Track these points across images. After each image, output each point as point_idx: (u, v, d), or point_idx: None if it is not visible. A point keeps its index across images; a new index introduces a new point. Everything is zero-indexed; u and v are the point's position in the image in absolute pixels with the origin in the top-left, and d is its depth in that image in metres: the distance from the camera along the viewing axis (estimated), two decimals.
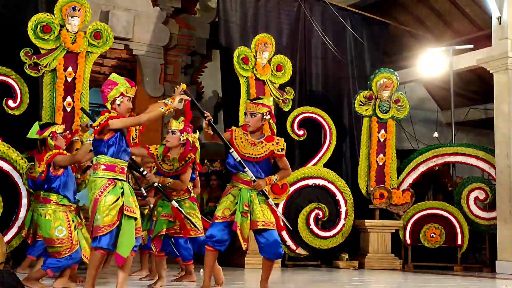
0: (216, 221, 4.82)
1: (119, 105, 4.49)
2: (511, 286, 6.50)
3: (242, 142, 4.85)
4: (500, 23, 9.12)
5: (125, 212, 4.39)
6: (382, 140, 9.67)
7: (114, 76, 4.58)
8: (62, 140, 5.50)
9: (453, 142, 10.44)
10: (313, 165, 9.41)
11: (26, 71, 7.76)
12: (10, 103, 7.86)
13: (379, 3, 11.75)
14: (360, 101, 9.67)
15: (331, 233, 9.27)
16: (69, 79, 7.95)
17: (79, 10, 7.93)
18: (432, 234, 9.38)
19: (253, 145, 4.83)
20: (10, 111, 7.86)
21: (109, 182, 4.37)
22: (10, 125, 8.11)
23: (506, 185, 8.95)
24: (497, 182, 9.17)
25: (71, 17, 7.90)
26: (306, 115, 9.47)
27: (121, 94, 4.48)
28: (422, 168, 9.90)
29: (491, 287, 7.24)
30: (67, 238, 5.25)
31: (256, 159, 4.82)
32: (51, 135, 5.47)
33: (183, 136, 5.83)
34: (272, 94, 9.12)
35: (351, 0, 11.44)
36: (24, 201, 7.72)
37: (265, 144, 4.84)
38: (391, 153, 9.66)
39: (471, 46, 10.28)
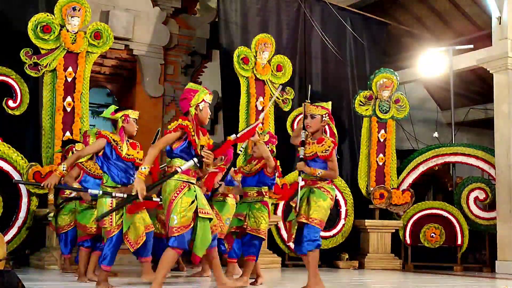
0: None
1: (201, 110, 4.71)
2: (511, 286, 6.50)
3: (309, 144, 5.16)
4: (500, 23, 9.12)
5: (200, 214, 4.59)
6: (382, 140, 9.67)
7: (191, 85, 4.85)
8: (133, 125, 5.49)
9: (453, 142, 10.44)
10: None
11: (26, 71, 7.77)
12: (10, 103, 7.87)
13: (379, 3, 11.76)
14: (360, 101, 9.67)
15: (331, 233, 9.28)
16: (69, 79, 7.96)
17: (79, 10, 7.94)
18: (432, 234, 9.38)
19: (309, 145, 5.13)
20: (10, 111, 7.87)
21: (184, 185, 4.58)
22: (10, 125, 8.12)
23: (506, 185, 8.96)
24: (497, 182, 9.17)
25: (71, 17, 7.91)
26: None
27: (203, 100, 4.72)
28: (422, 168, 9.90)
29: (491, 287, 7.24)
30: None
31: (307, 158, 5.10)
32: (123, 117, 5.44)
33: (268, 147, 5.96)
34: (272, 94, 9.12)
35: (351, 0, 11.43)
36: (24, 201, 7.74)
37: (312, 145, 5.09)
38: (391, 153, 9.66)
39: (471, 46, 10.28)
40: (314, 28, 10.40)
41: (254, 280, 5.86)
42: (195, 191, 4.64)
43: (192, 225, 4.57)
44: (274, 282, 6.55)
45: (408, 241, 9.52)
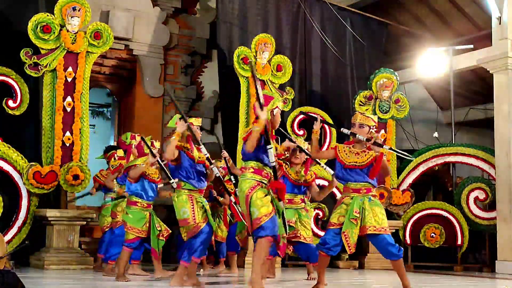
0: (330, 227, 5.22)
1: (274, 115, 5.01)
2: (511, 286, 6.50)
3: (346, 154, 5.23)
4: (500, 23, 9.11)
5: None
6: (382, 140, 9.65)
7: (267, 91, 5.15)
8: (198, 132, 5.68)
9: (453, 142, 10.43)
10: (313, 165, 9.39)
11: (26, 71, 7.77)
12: (10, 103, 7.87)
13: (379, 3, 11.75)
14: (360, 101, 9.67)
15: None
16: (69, 79, 7.96)
17: (79, 10, 7.94)
18: (432, 234, 9.38)
19: (357, 155, 5.20)
20: (10, 111, 7.87)
21: (257, 183, 4.84)
22: (10, 125, 8.12)
23: (506, 185, 8.95)
24: (497, 182, 9.16)
25: (71, 17, 7.91)
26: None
27: (277, 106, 5.04)
28: (422, 168, 9.89)
29: (491, 287, 7.24)
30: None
31: (361, 166, 5.17)
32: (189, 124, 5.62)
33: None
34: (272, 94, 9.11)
35: (351, 0, 11.43)
36: (24, 201, 7.74)
37: (368, 152, 5.18)
38: (391, 153, 9.65)
39: (471, 46, 10.27)
40: (314, 28, 10.40)
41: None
42: (268, 191, 4.90)
43: (272, 214, 4.79)
44: (274, 282, 6.55)
45: (408, 241, 9.51)
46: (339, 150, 5.26)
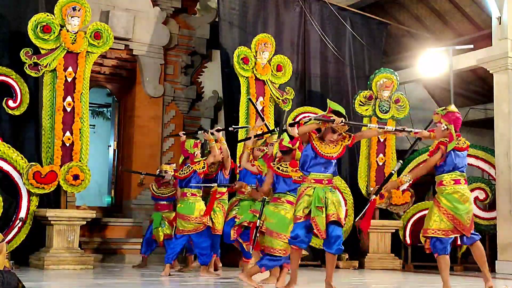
0: (297, 221, 5.18)
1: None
2: (511, 286, 6.50)
3: (321, 144, 5.23)
4: (500, 23, 9.12)
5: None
6: (382, 140, 9.67)
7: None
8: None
9: None
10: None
11: (26, 71, 7.76)
12: (10, 103, 7.87)
13: (379, 3, 11.75)
14: (360, 101, 9.67)
15: None
16: (69, 79, 7.95)
17: (79, 10, 7.94)
18: None
19: (330, 146, 5.25)
20: (10, 111, 7.87)
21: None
22: (10, 125, 8.12)
23: (506, 185, 8.95)
24: (497, 182, 9.16)
25: (71, 17, 7.90)
26: (306, 115, 9.46)
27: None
28: None
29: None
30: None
31: (335, 157, 5.25)
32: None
33: None
34: (272, 94, 9.12)
35: (351, 0, 11.43)
36: (24, 201, 7.74)
37: (338, 143, 5.25)
38: (391, 153, 9.66)
39: (471, 46, 10.26)
40: (314, 28, 10.40)
41: None
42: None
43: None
44: (274, 282, 6.54)
45: (408, 241, 9.51)
46: (313, 139, 5.22)
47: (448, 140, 5.29)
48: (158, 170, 8.65)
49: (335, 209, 5.10)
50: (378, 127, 5.43)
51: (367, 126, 5.88)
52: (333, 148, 5.21)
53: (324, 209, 5.07)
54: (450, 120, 5.34)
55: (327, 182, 5.18)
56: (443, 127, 5.33)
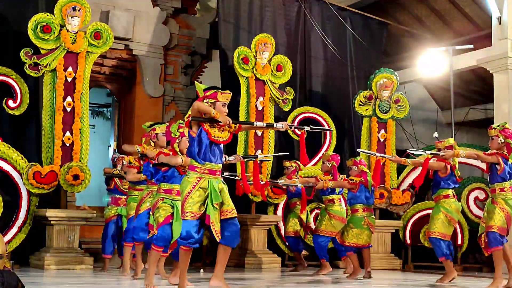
0: (190, 218, 4.66)
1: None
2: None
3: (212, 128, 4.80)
4: (500, 23, 9.12)
5: None
6: (382, 140, 9.67)
7: None
8: None
9: None
10: (313, 165, 9.40)
11: (26, 71, 7.77)
12: (10, 103, 7.87)
13: (379, 3, 11.75)
14: (360, 101, 9.67)
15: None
16: (69, 79, 7.95)
17: (79, 10, 7.94)
18: None
19: (219, 130, 4.82)
20: (10, 111, 7.87)
21: None
22: (10, 125, 8.12)
23: None
24: None
25: (71, 17, 7.91)
26: (306, 115, 9.48)
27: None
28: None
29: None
30: None
31: (224, 142, 4.86)
32: None
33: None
34: (272, 94, 9.12)
35: (351, 0, 11.43)
36: (24, 201, 7.74)
37: (226, 128, 4.84)
38: (391, 153, 9.64)
39: (471, 46, 10.27)
40: (314, 28, 10.40)
41: None
42: None
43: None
44: (274, 282, 6.56)
45: (408, 241, 9.51)
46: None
47: (506, 152, 6.19)
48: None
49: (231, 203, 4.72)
50: (266, 125, 5.32)
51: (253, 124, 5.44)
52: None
53: (219, 204, 4.67)
54: (508, 136, 6.18)
55: (218, 173, 4.78)
56: (500, 140, 6.16)
